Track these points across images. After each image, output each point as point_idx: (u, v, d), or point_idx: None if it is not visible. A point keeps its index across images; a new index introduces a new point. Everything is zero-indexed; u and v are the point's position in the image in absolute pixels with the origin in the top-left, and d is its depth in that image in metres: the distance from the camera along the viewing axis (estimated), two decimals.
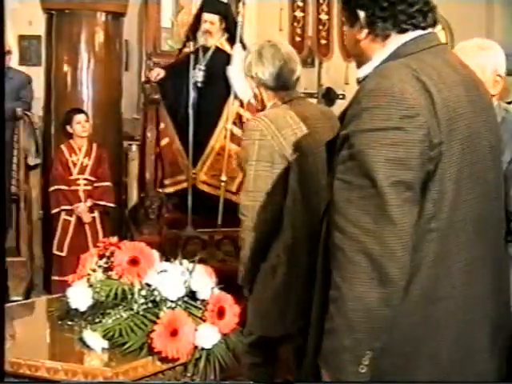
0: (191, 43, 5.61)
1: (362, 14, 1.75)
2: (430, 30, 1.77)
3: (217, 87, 5.39)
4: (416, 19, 1.73)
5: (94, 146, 5.56)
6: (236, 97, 5.40)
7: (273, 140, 2.71)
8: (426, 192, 1.62)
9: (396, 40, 1.74)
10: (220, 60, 5.41)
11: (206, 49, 5.46)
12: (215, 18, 5.44)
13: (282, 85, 2.80)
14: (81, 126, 5.46)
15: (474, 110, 1.72)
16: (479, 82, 1.85)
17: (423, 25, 1.75)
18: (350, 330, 1.59)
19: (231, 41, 5.52)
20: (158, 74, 5.49)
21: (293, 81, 2.82)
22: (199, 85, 5.41)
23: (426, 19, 1.75)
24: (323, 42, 9.75)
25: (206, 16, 5.44)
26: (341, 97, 10.00)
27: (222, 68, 5.38)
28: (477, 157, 1.71)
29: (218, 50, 5.44)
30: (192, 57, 5.44)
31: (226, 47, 5.51)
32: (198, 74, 5.39)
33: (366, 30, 1.76)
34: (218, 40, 5.46)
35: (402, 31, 1.74)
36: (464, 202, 1.68)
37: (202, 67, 5.42)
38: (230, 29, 5.52)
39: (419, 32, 1.75)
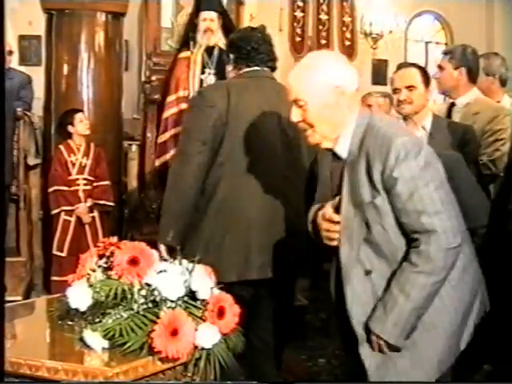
0: (191, 43, 5.57)
1: (231, 55, 3.24)
2: (260, 67, 3.16)
3: None
4: (253, 60, 3.15)
5: (92, 145, 5.56)
6: None
7: None
8: (219, 147, 2.94)
9: (243, 70, 3.18)
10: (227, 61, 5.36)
11: (209, 50, 5.42)
12: (214, 14, 5.41)
13: None
14: (83, 123, 5.47)
15: (264, 110, 3.01)
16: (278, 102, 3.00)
17: (255, 63, 3.15)
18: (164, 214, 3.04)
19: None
20: None
21: None
22: None
23: (261, 62, 3.16)
24: (323, 42, 9.76)
25: (205, 14, 5.39)
26: None
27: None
28: (262, 137, 2.99)
29: (221, 50, 5.41)
30: (199, 60, 5.39)
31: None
32: (209, 78, 5.35)
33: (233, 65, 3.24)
34: (219, 39, 5.43)
35: (248, 66, 3.16)
36: (247, 156, 2.96)
37: (212, 70, 5.37)
38: (228, 26, 5.50)
39: (254, 68, 3.15)
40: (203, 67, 5.38)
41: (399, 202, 2.17)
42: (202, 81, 5.35)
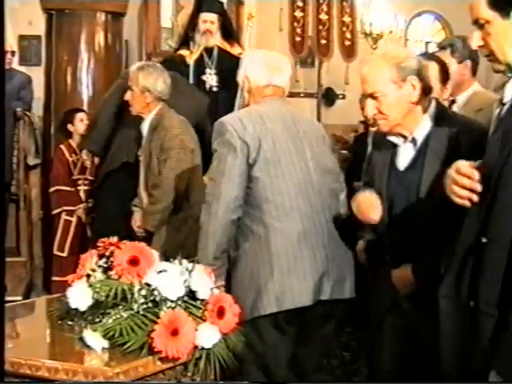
0: (191, 43, 5.54)
1: None
2: None
3: (231, 90, 5.24)
4: None
5: None
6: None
7: None
8: None
9: None
10: (227, 61, 5.33)
11: (208, 50, 5.39)
12: (214, 16, 5.39)
13: None
14: (83, 123, 5.49)
15: None
16: None
17: None
18: None
19: (226, 38, 5.47)
20: None
21: None
22: (214, 89, 5.32)
23: None
24: (323, 42, 9.75)
25: (205, 15, 5.37)
26: (341, 97, 10.00)
27: (230, 69, 5.32)
28: None
29: (220, 50, 5.39)
30: (195, 61, 5.36)
31: (227, 47, 5.46)
32: (210, 78, 5.32)
33: None
34: (218, 39, 5.41)
35: None
36: None
37: (213, 70, 5.34)
38: (227, 27, 5.49)
39: None
40: (204, 68, 5.36)
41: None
42: (204, 82, 5.31)
